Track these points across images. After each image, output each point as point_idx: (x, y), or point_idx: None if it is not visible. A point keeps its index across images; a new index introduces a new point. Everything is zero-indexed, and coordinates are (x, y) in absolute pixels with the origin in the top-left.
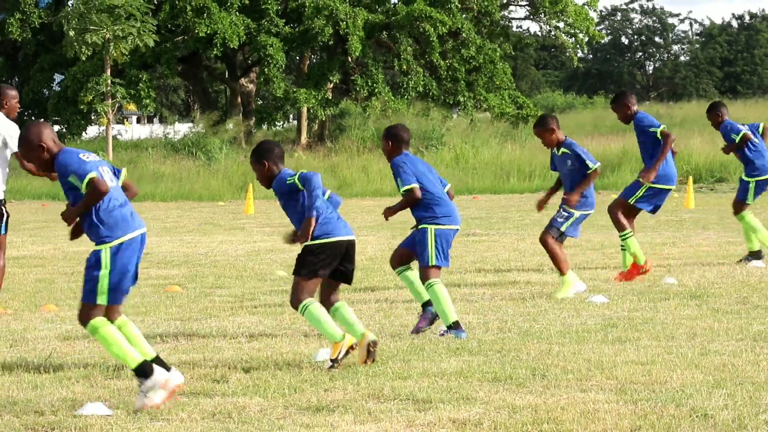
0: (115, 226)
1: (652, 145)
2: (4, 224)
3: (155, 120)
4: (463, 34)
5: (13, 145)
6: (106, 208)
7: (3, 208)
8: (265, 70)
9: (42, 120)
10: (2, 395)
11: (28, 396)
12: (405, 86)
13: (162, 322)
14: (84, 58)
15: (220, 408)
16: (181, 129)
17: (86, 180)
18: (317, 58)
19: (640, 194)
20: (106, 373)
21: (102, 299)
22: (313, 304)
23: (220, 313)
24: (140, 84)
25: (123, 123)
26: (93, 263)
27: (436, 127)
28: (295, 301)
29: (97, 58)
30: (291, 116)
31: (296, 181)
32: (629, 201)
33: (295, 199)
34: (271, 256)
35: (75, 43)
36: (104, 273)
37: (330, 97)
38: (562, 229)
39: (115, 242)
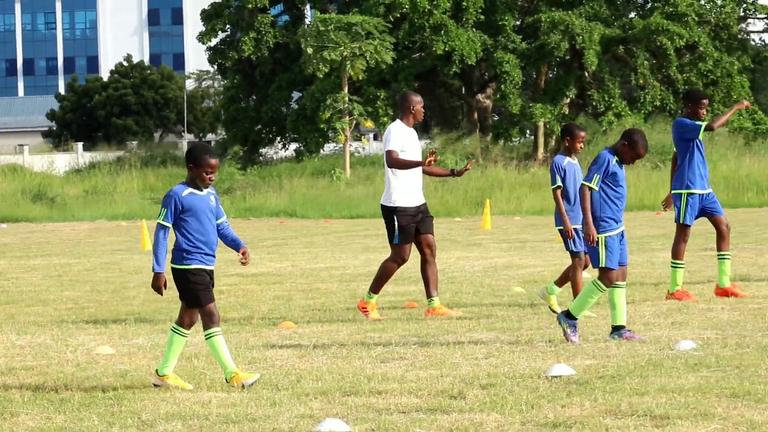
0: None
1: None
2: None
3: None
4: (701, 48)
5: None
6: None
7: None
8: (502, 86)
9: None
10: (241, 412)
11: (267, 412)
12: (642, 101)
13: (399, 339)
14: (322, 76)
15: (457, 424)
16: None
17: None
18: (553, 73)
19: None
20: (343, 390)
21: None
22: None
23: (457, 329)
24: (378, 102)
25: (360, 140)
26: None
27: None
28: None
29: (334, 76)
30: (527, 132)
31: None
32: None
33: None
34: (507, 272)
35: (313, 61)
36: None
37: (566, 112)
38: None
39: None
